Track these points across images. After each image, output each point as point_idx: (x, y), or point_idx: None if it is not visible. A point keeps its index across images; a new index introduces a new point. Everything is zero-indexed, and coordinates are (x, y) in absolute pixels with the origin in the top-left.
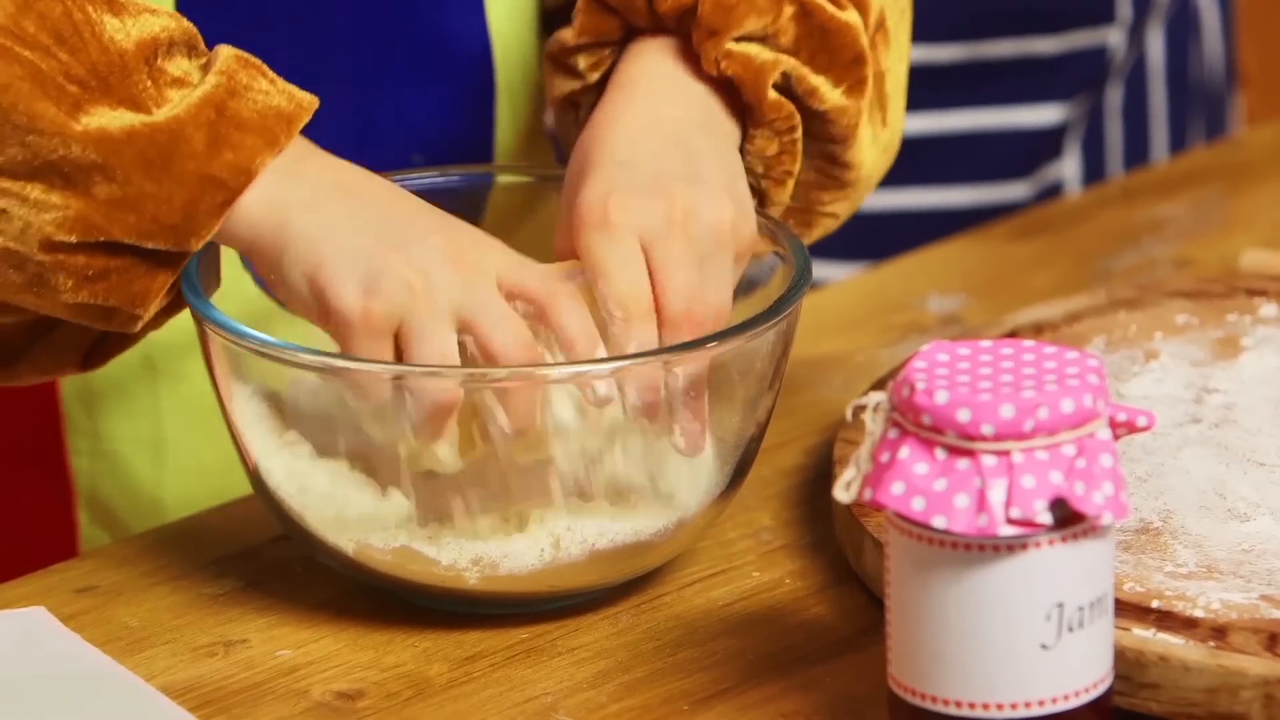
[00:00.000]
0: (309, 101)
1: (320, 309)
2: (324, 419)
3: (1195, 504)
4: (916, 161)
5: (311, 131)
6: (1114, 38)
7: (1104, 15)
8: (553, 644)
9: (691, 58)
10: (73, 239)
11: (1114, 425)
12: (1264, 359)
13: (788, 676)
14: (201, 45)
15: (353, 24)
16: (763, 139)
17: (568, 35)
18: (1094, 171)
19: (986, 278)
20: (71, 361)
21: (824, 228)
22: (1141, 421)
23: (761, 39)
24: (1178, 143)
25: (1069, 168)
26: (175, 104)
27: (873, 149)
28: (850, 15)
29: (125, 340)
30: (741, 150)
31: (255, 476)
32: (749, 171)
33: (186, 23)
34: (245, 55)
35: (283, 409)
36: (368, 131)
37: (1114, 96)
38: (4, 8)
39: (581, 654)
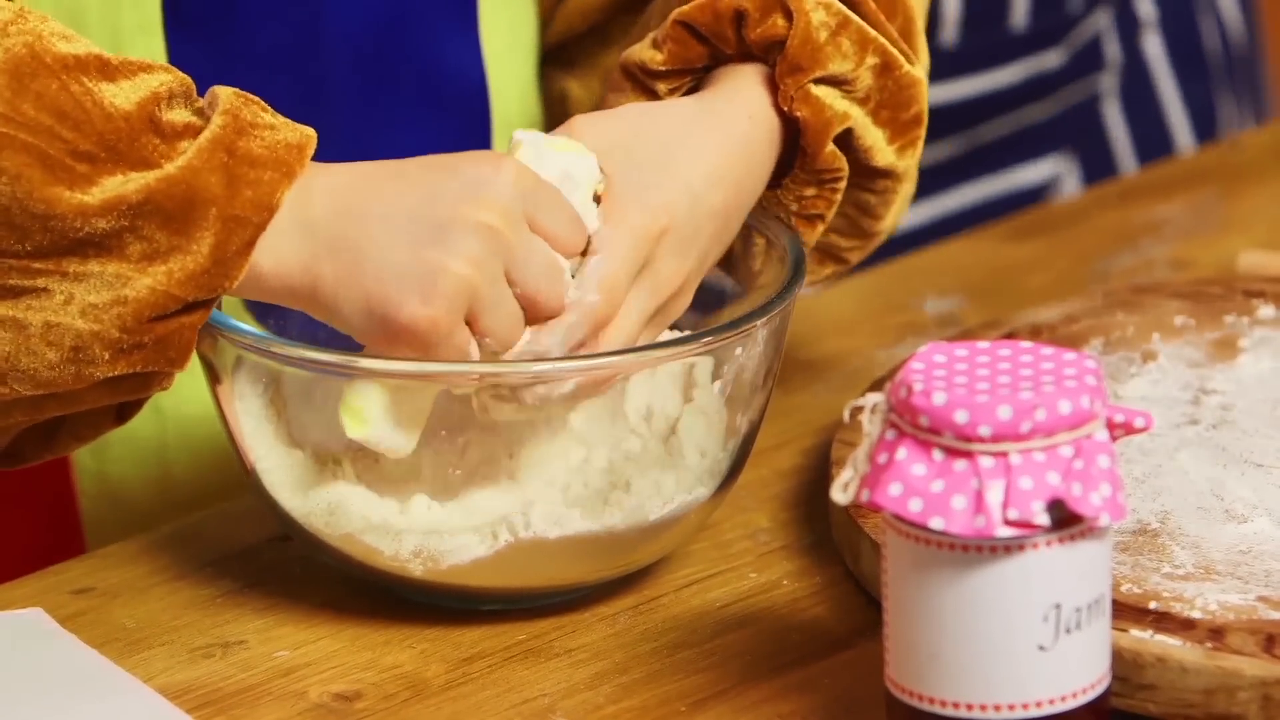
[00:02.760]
0: (310, 132)
1: (389, 333)
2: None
3: (1193, 505)
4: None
5: None
6: (1106, 81)
7: (1093, 67)
8: (550, 645)
9: (775, 88)
10: (108, 299)
11: (1111, 426)
12: (1261, 360)
13: (785, 677)
14: (195, 92)
15: (350, 61)
16: (803, 179)
17: (655, 59)
18: (1098, 171)
19: (984, 279)
20: (107, 421)
21: (833, 270)
22: (1139, 423)
23: (840, 83)
24: (1206, 123)
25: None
26: (186, 154)
27: (903, 198)
28: (918, 71)
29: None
30: (780, 184)
31: (252, 477)
32: (782, 207)
33: (179, 73)
34: (243, 93)
35: (280, 406)
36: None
37: (1112, 108)
38: (1, 94)
39: (579, 655)
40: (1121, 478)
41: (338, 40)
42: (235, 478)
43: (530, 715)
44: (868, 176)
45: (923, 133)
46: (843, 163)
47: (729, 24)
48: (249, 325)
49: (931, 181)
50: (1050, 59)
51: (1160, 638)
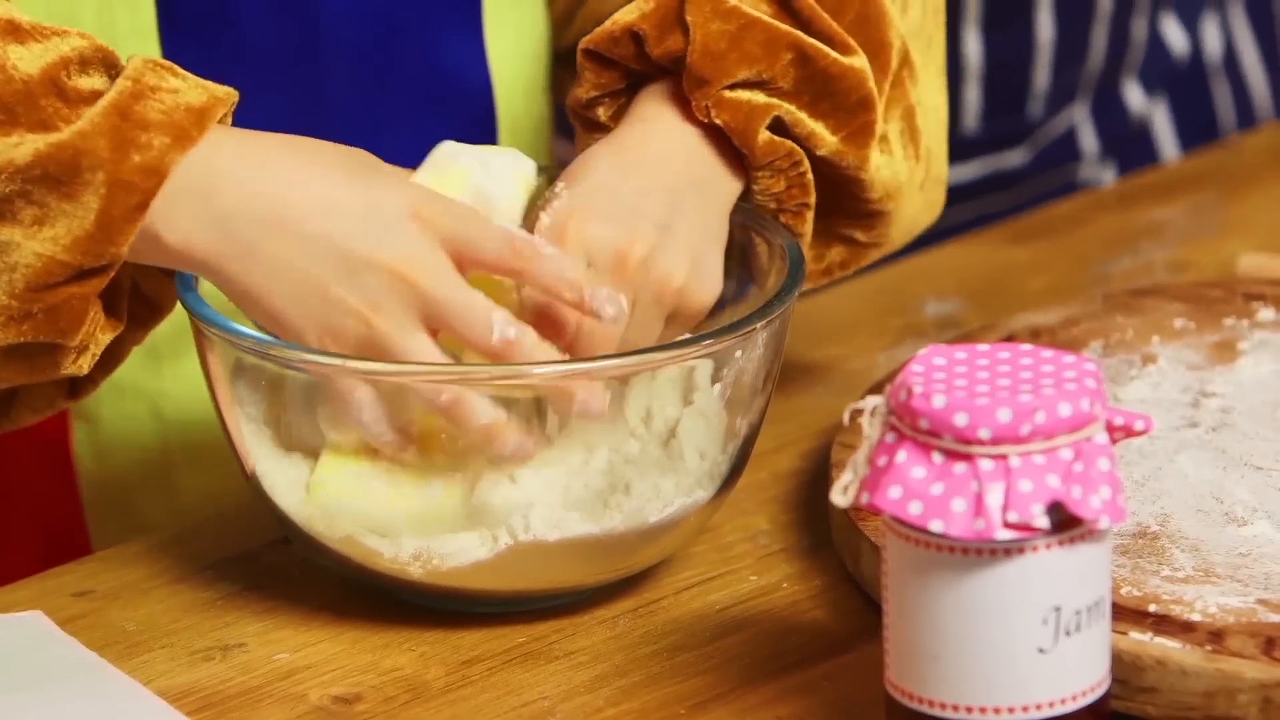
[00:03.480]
0: (225, 94)
1: (301, 342)
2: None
3: (1192, 508)
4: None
5: None
6: (1085, 171)
7: (1066, 158)
8: (550, 648)
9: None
10: None
11: (1111, 429)
12: (1261, 363)
13: (785, 680)
14: (117, 62)
15: (349, 63)
16: (766, 179)
17: (580, 91)
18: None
19: (984, 282)
20: (60, 395)
21: (851, 254)
22: (1139, 425)
23: (758, 84)
24: None
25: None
26: (78, 122)
27: (910, 187)
28: (856, 60)
29: (105, 367)
30: (750, 191)
31: (252, 479)
32: (763, 209)
33: (99, 43)
34: (158, 59)
35: (280, 410)
36: None
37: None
38: None
39: (579, 658)
40: (1121, 480)
41: (336, 43)
42: (239, 484)
43: (530, 718)
44: (826, 164)
45: (875, 116)
46: (789, 146)
47: (630, 45)
48: (248, 328)
49: None
50: (1012, 158)
51: (1160, 640)
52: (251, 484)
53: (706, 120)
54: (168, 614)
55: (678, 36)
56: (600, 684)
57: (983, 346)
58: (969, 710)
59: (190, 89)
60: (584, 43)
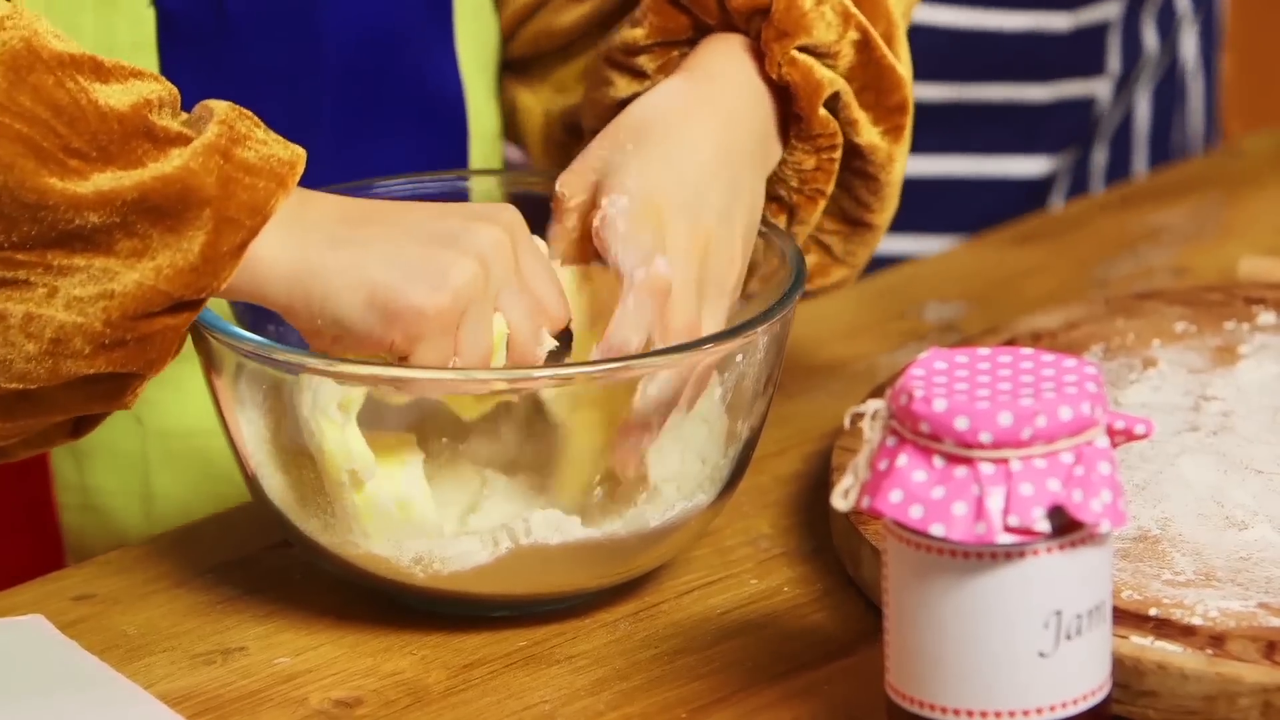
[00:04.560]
0: (301, 151)
1: (385, 319)
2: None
3: (1193, 512)
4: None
5: (301, 183)
6: (1102, 90)
7: (1094, 67)
8: (551, 652)
9: (760, 58)
10: (94, 292)
11: (1112, 433)
12: (1262, 366)
13: (786, 684)
14: (180, 104)
15: (340, 78)
16: (803, 152)
17: (638, 35)
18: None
19: (985, 285)
20: (61, 434)
21: (819, 266)
22: (1139, 429)
23: (823, 54)
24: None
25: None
26: (178, 157)
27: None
28: (904, 68)
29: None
30: (781, 161)
31: (253, 483)
32: (782, 183)
33: (168, 83)
34: (239, 107)
35: (281, 413)
36: (353, 178)
37: (1099, 158)
38: None
39: (579, 661)
40: (1122, 484)
41: (330, 58)
42: (217, 491)
43: None
44: (856, 156)
45: (907, 122)
46: (835, 126)
47: None
48: (249, 333)
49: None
50: (1058, 21)
51: (1161, 644)
52: (252, 487)
53: (777, 76)
54: (168, 618)
55: None
56: (601, 688)
57: (983, 350)
58: (970, 714)
59: (274, 142)
60: None
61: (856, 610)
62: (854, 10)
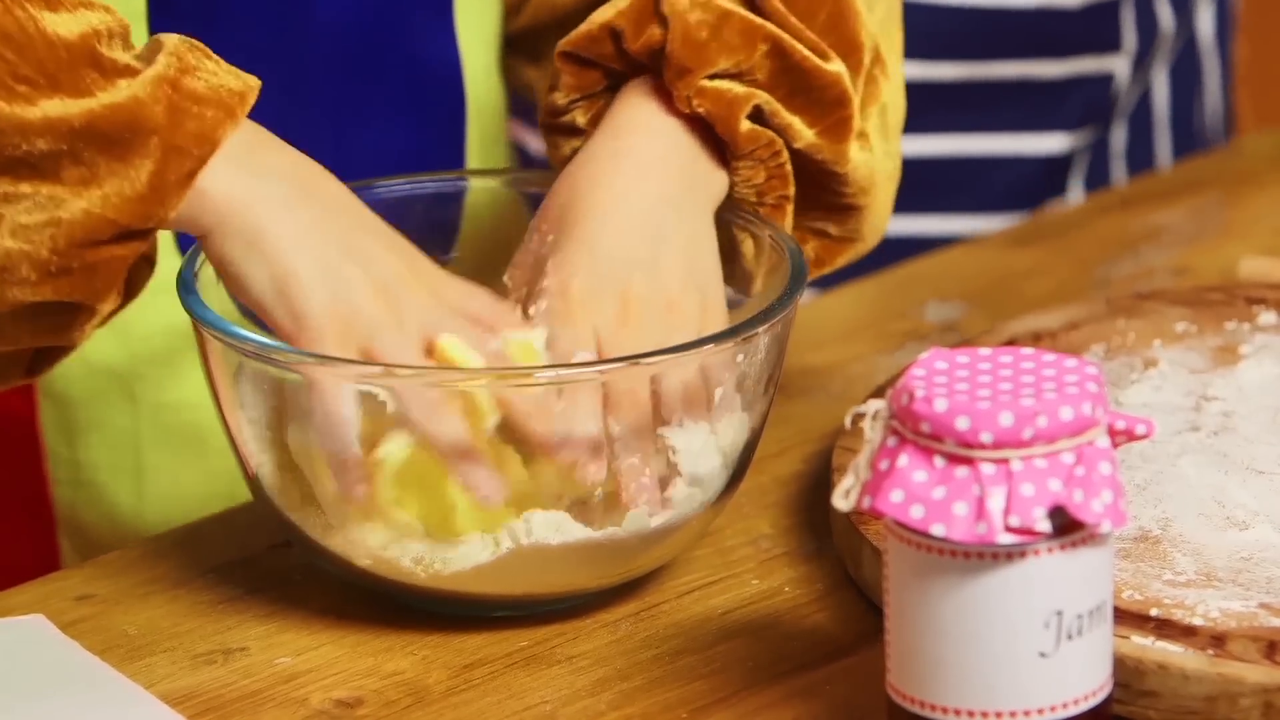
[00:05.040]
0: (254, 81)
1: (287, 311)
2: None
3: (1194, 512)
4: (915, 187)
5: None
6: (1119, 67)
7: (1110, 43)
8: (551, 652)
9: (671, 97)
10: (40, 220)
11: (1113, 433)
12: (1263, 366)
13: (786, 684)
14: (130, 35)
15: (333, 52)
16: (747, 169)
17: (558, 98)
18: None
19: (985, 285)
20: (16, 372)
21: (824, 250)
22: (1140, 429)
23: (736, 75)
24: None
25: (1073, 203)
26: (131, 85)
27: (881, 177)
28: (830, 64)
29: (66, 348)
30: (731, 184)
31: (254, 482)
32: (744, 201)
33: (118, 14)
34: (189, 39)
35: (283, 411)
36: (347, 156)
37: (1118, 138)
38: None
39: (580, 662)
40: (1123, 484)
41: (322, 32)
42: (209, 468)
43: None
44: (803, 157)
45: (850, 113)
46: (770, 135)
47: (609, 43)
48: (250, 331)
49: (932, 116)
50: None
51: (1162, 644)
52: (253, 486)
53: (689, 111)
54: (169, 618)
55: (656, 29)
56: (602, 688)
57: (984, 350)
58: (970, 714)
59: (225, 73)
60: (561, 45)
61: (857, 610)
62: (759, 21)
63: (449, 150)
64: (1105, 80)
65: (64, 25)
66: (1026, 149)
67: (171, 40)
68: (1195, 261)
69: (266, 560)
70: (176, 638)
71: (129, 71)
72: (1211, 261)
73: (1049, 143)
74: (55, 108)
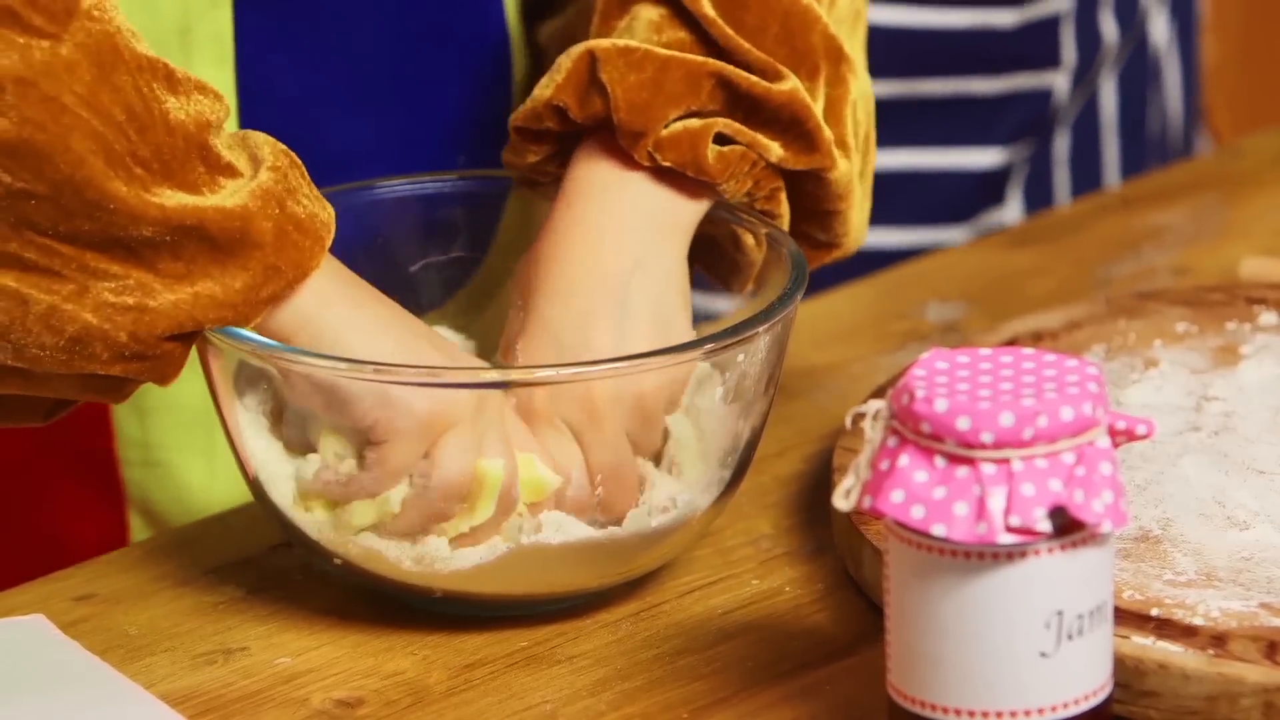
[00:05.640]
0: (333, 210)
1: (381, 399)
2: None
3: (1194, 512)
4: None
5: (362, 138)
6: (1059, 82)
7: (1048, 59)
8: (552, 652)
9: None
10: (127, 303)
11: (1113, 433)
12: (1263, 367)
13: (787, 684)
14: (227, 124)
15: (396, 28)
16: (732, 185)
17: (524, 161)
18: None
19: (986, 285)
20: (36, 414)
21: (811, 254)
22: (1141, 429)
23: (689, 116)
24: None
25: (1010, 214)
26: (235, 193)
27: (854, 181)
28: (783, 84)
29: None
30: (720, 204)
31: (255, 485)
32: (738, 212)
33: (224, 100)
34: (289, 153)
35: (282, 413)
36: (413, 133)
37: (1061, 144)
38: (82, 77)
39: (581, 662)
40: (1123, 484)
41: (386, 9)
42: None
43: None
44: (776, 168)
45: (813, 126)
46: (740, 151)
47: (554, 119)
48: (249, 331)
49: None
50: (1003, 17)
51: (1162, 644)
52: (254, 487)
53: (654, 166)
54: (170, 618)
55: (597, 99)
56: (602, 688)
57: (985, 350)
58: (970, 714)
59: (314, 199)
60: (513, 120)
61: (858, 610)
62: (699, 60)
63: (500, 124)
64: (1043, 95)
65: (183, 111)
66: (959, 163)
67: (268, 150)
68: (1196, 261)
69: (267, 561)
70: (177, 638)
71: (231, 171)
72: (1212, 261)
73: (983, 157)
74: (170, 199)
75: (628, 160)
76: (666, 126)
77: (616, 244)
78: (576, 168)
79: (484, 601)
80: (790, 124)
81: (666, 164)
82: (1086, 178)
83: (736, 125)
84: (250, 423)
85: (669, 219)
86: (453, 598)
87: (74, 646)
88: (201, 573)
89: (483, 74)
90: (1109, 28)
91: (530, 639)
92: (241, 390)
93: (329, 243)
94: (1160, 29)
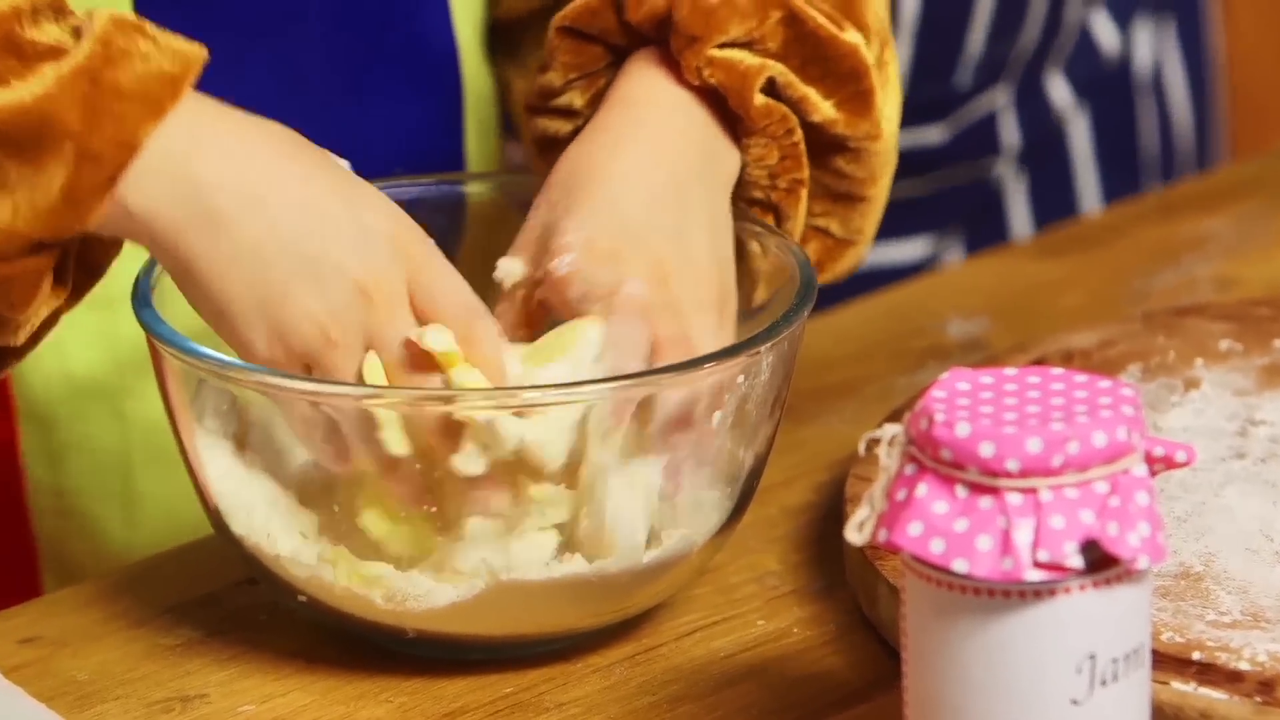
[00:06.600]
0: (197, 55)
1: (234, 344)
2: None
3: (1240, 546)
4: None
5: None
6: (1000, 166)
7: (985, 150)
8: (539, 699)
9: (678, 66)
10: None
11: (1150, 460)
12: None
13: None
14: (68, 8)
15: (329, 33)
16: (760, 147)
17: (553, 78)
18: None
19: (1012, 299)
20: None
21: (825, 251)
22: (1180, 456)
23: (747, 44)
24: None
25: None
26: (46, 78)
27: (889, 171)
28: (849, 35)
29: (35, 337)
30: (744, 165)
31: (216, 516)
32: (755, 185)
33: None
34: (123, 16)
35: (245, 438)
36: (347, 144)
37: (1014, 187)
38: None
39: (571, 709)
40: (1161, 516)
41: (317, 10)
42: None
43: None
44: (819, 132)
45: (869, 86)
46: (784, 111)
47: (610, 14)
48: (211, 349)
49: None
50: (930, 134)
51: (1204, 691)
52: (214, 519)
53: (699, 83)
54: (123, 662)
55: None
56: None
57: (1010, 370)
58: None
59: (162, 53)
60: (557, 20)
61: (872, 653)
62: None
63: (448, 137)
64: (979, 185)
65: None
66: (882, 259)
67: (101, 19)
68: (1241, 273)
69: (230, 599)
70: (130, 684)
71: (53, 54)
72: (1258, 273)
73: (907, 249)
74: None
75: (678, 77)
76: (722, 47)
77: (681, 151)
78: (626, 78)
79: (463, 643)
80: (848, 78)
81: (713, 81)
82: (1059, 214)
83: (791, 76)
84: (210, 446)
85: (717, 156)
86: (428, 639)
87: (17, 693)
88: (158, 612)
89: (428, 87)
90: (1061, 94)
91: (515, 684)
92: (200, 412)
93: (170, 103)
94: (1144, 55)
